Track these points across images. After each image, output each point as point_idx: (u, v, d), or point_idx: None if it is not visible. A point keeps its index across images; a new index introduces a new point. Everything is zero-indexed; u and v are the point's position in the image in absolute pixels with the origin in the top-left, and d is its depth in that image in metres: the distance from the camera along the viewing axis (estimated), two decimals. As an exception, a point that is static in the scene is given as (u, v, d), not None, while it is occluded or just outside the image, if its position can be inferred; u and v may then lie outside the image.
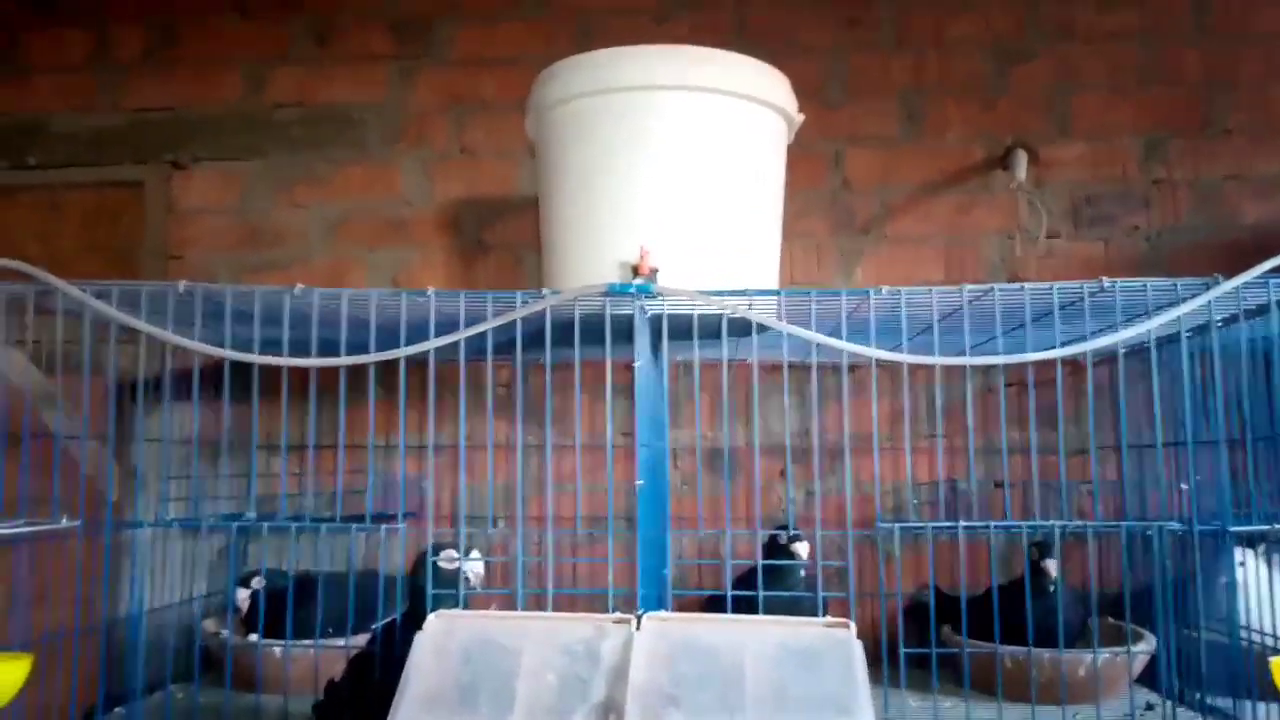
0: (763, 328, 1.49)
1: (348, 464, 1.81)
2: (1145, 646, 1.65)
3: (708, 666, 1.12)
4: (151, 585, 1.72)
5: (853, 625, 1.15)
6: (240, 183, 2.22)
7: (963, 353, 1.34)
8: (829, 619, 1.18)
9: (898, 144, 2.16)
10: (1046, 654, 1.55)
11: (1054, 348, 1.21)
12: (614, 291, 1.26)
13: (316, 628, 1.56)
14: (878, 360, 1.29)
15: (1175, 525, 1.28)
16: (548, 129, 1.55)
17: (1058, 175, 2.12)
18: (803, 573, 1.70)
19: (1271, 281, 1.25)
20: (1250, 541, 1.69)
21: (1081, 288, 1.23)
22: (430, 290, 1.29)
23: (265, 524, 1.38)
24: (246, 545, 1.92)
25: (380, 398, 1.42)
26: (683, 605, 1.70)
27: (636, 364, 1.24)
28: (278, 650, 1.69)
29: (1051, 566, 1.69)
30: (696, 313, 1.36)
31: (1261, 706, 1.45)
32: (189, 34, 2.27)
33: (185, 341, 1.26)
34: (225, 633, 1.81)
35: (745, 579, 1.61)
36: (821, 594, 1.29)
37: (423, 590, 1.32)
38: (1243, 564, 1.69)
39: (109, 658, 1.46)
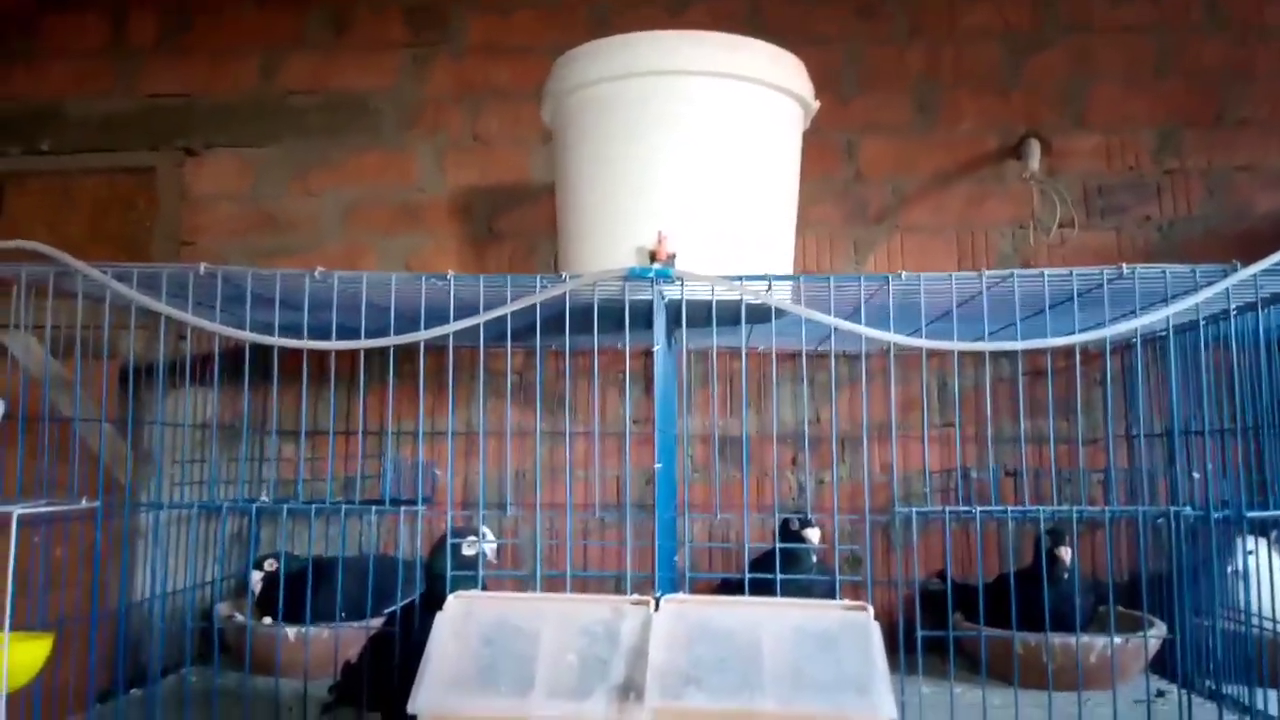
0: (780, 313, 1.49)
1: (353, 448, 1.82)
2: (1157, 633, 1.65)
3: (726, 648, 1.13)
4: (167, 569, 1.74)
5: (870, 608, 1.15)
6: (254, 169, 2.22)
7: (980, 340, 1.34)
8: (847, 602, 1.19)
9: (911, 134, 2.16)
10: (1059, 639, 1.55)
11: (1072, 334, 1.21)
12: (634, 276, 1.27)
13: (336, 611, 1.57)
14: (894, 348, 1.29)
15: (1190, 510, 1.28)
16: (567, 113, 1.55)
17: (1071, 165, 2.12)
18: (815, 558, 1.71)
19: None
20: (1263, 530, 1.70)
21: (1100, 274, 1.23)
22: (450, 274, 1.30)
23: (285, 505, 1.38)
24: (259, 530, 1.92)
25: (396, 385, 1.42)
26: (696, 589, 1.70)
27: (655, 348, 1.24)
28: (292, 633, 1.71)
29: (1066, 554, 1.69)
30: (715, 298, 1.36)
31: (1274, 694, 1.45)
32: (204, 20, 2.27)
33: (206, 323, 1.27)
34: (239, 616, 1.82)
35: (756, 564, 1.62)
36: (839, 577, 1.29)
37: (441, 573, 1.32)
38: (1253, 552, 1.70)
39: (126, 640, 1.47)
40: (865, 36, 2.19)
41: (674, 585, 1.33)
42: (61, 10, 2.29)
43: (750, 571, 1.51)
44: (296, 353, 1.38)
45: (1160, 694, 1.62)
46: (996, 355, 1.95)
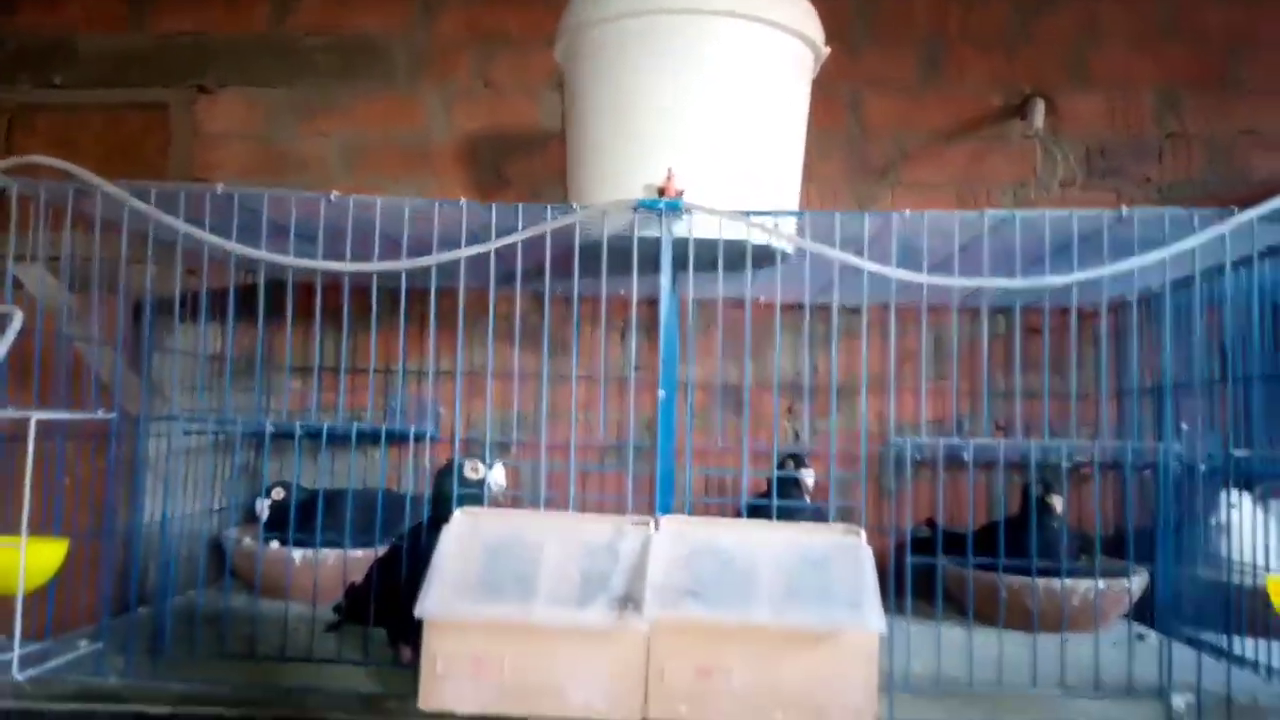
0: (785, 255, 1.52)
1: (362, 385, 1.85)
2: (1139, 580, 1.70)
3: (723, 564, 1.17)
4: (179, 493, 1.78)
5: (863, 532, 1.19)
6: (266, 109, 2.24)
7: (984, 285, 1.36)
8: (842, 525, 1.23)
9: (916, 90, 2.18)
10: (1044, 582, 1.60)
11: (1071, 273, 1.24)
12: (643, 206, 1.29)
13: (344, 537, 1.61)
14: (895, 285, 1.32)
15: (1178, 449, 1.31)
16: (581, 50, 1.56)
17: (1074, 126, 2.15)
18: (808, 498, 1.76)
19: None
20: (1247, 484, 1.74)
21: (1101, 216, 1.26)
22: (463, 200, 1.32)
23: (297, 424, 1.41)
24: (269, 454, 1.96)
25: (406, 325, 1.45)
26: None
27: (662, 279, 1.27)
28: (299, 556, 1.75)
29: (1058, 502, 1.74)
30: (722, 237, 1.39)
31: (1250, 641, 1.50)
32: (217, -43, 2.28)
33: (223, 241, 1.29)
34: (248, 540, 1.87)
35: (754, 512, 1.67)
36: (834, 503, 1.33)
37: (448, 495, 1.36)
38: (1235, 506, 1.74)
39: (137, 559, 1.50)
40: (875, -11, 2.20)
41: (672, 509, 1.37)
42: (74, -57, 2.30)
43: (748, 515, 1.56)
44: (309, 292, 1.41)
45: (1140, 638, 1.66)
46: (993, 312, 1.99)
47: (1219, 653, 1.55)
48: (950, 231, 1.33)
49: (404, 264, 1.28)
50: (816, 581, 1.14)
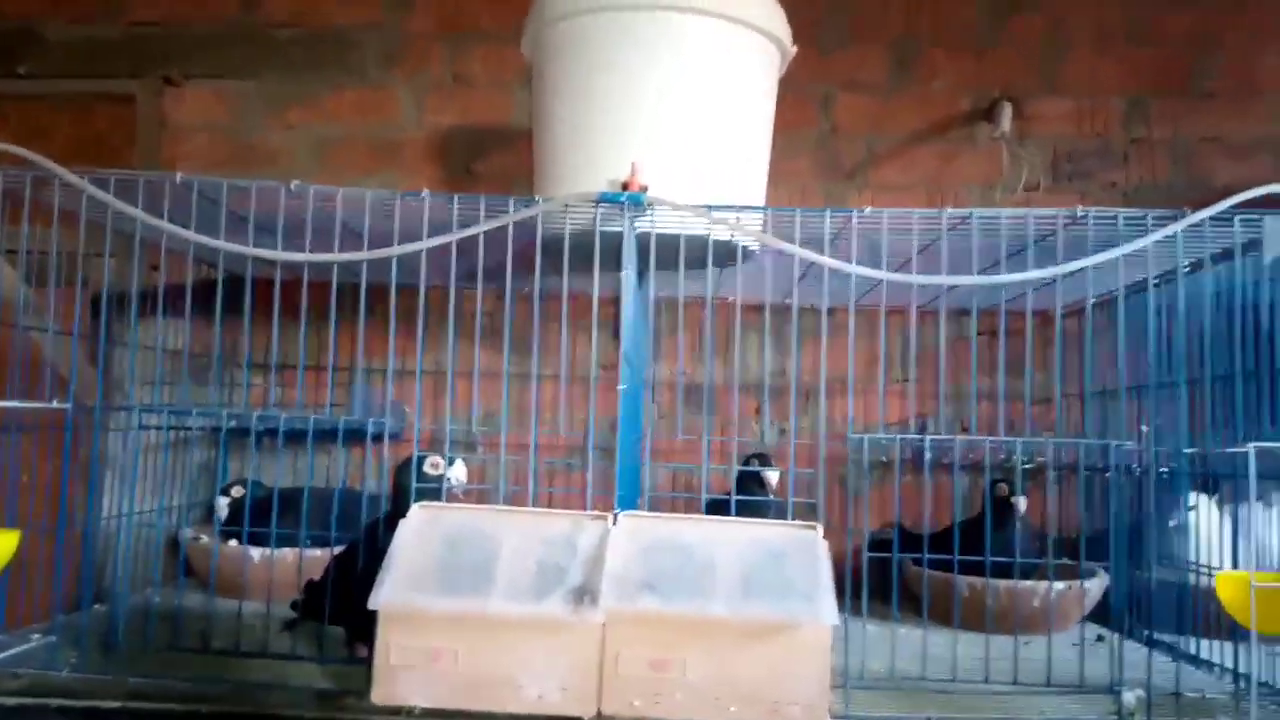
0: (749, 254, 1.52)
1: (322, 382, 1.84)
2: (1097, 582, 1.71)
3: (680, 559, 1.17)
4: (134, 490, 1.76)
5: (820, 527, 1.20)
6: (234, 101, 2.22)
7: (940, 282, 1.37)
8: (798, 522, 1.23)
9: (887, 91, 2.19)
10: (1002, 584, 1.60)
11: (1028, 271, 1.25)
12: (605, 199, 1.29)
13: (301, 536, 1.59)
14: (854, 296, 1.33)
15: (1130, 445, 1.32)
16: (547, 45, 1.56)
17: (1041, 129, 2.17)
18: (771, 496, 1.76)
19: (1238, 218, 1.29)
20: (1205, 486, 1.76)
21: (1056, 215, 1.27)
22: (425, 192, 1.32)
23: (255, 414, 1.40)
24: (228, 450, 1.95)
25: (368, 323, 1.44)
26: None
27: (624, 273, 1.27)
28: (257, 554, 1.73)
29: (1021, 503, 1.74)
30: (685, 231, 1.39)
31: (1205, 642, 1.51)
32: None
33: (181, 230, 1.28)
34: (204, 538, 1.85)
35: (717, 508, 1.68)
36: (792, 500, 1.33)
37: (406, 490, 1.35)
38: (1194, 508, 1.76)
39: (92, 556, 1.49)
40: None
41: (635, 506, 1.36)
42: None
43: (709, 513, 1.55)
44: (268, 287, 1.39)
45: (1099, 639, 1.68)
46: (954, 314, 2.00)
47: (1175, 654, 1.57)
48: (910, 229, 1.34)
49: (364, 255, 1.28)
50: (773, 576, 1.14)
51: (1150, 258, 1.27)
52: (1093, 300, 1.32)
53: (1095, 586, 1.72)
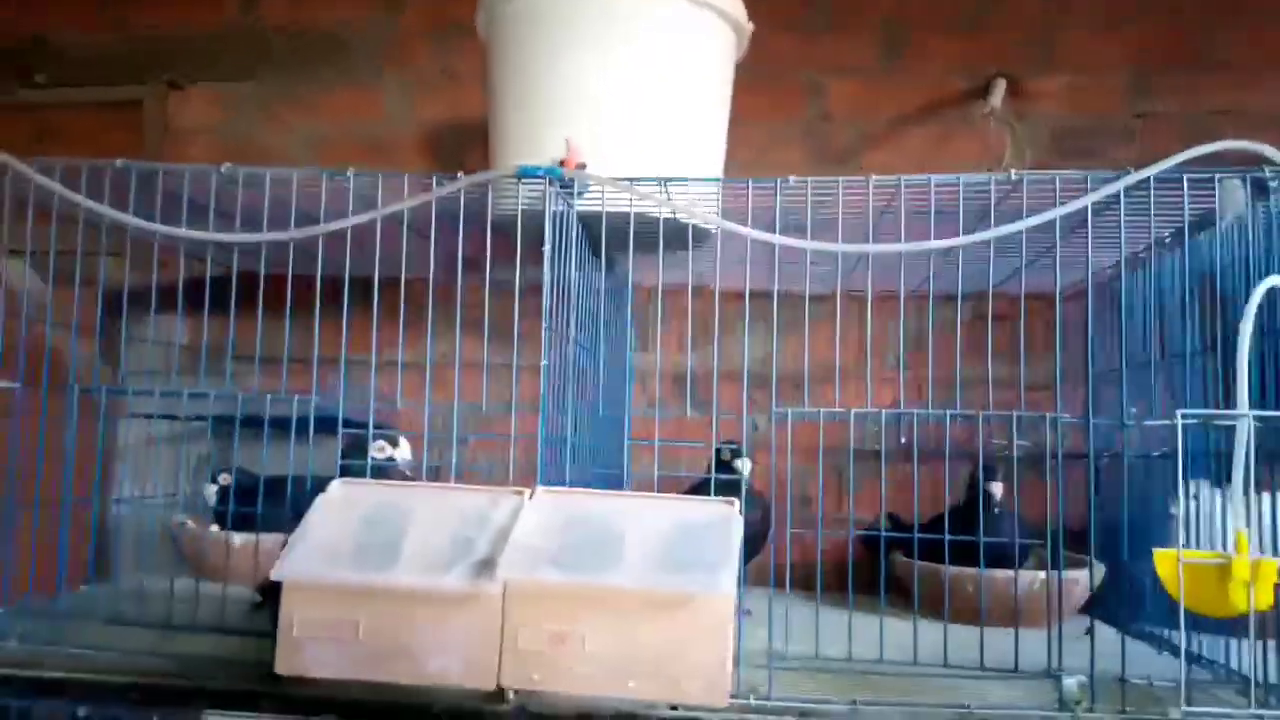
0: (703, 235, 1.49)
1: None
2: (1087, 573, 1.63)
3: (593, 533, 1.14)
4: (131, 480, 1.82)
5: (736, 503, 1.16)
6: (231, 103, 2.28)
7: (899, 253, 1.31)
8: (720, 499, 1.20)
9: (878, 74, 2.13)
10: (967, 571, 1.54)
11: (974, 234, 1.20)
12: (524, 174, 1.27)
13: (284, 522, 1.62)
14: (810, 256, 1.29)
15: (1105, 421, 1.25)
16: (497, 26, 1.56)
17: (1040, 107, 2.08)
18: (745, 488, 1.71)
19: (1186, 177, 1.22)
20: (1208, 472, 1.66)
21: (989, 179, 1.22)
22: (350, 170, 1.32)
23: (240, 397, 1.44)
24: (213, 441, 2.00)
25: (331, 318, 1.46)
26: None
27: (545, 249, 1.25)
28: (238, 540, 1.77)
29: (997, 489, 1.68)
30: (633, 209, 1.37)
31: (1198, 637, 1.43)
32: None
33: (121, 216, 1.31)
34: (191, 524, 1.90)
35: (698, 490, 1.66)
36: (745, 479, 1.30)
37: (353, 472, 1.36)
38: (1196, 496, 1.66)
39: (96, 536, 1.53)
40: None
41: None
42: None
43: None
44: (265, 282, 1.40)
45: (1089, 632, 1.59)
46: (941, 300, 1.94)
47: (1163, 645, 1.49)
48: (864, 197, 1.29)
49: (291, 234, 1.29)
50: (684, 552, 1.11)
51: (1090, 214, 1.20)
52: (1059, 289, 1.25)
53: (1083, 577, 1.63)
